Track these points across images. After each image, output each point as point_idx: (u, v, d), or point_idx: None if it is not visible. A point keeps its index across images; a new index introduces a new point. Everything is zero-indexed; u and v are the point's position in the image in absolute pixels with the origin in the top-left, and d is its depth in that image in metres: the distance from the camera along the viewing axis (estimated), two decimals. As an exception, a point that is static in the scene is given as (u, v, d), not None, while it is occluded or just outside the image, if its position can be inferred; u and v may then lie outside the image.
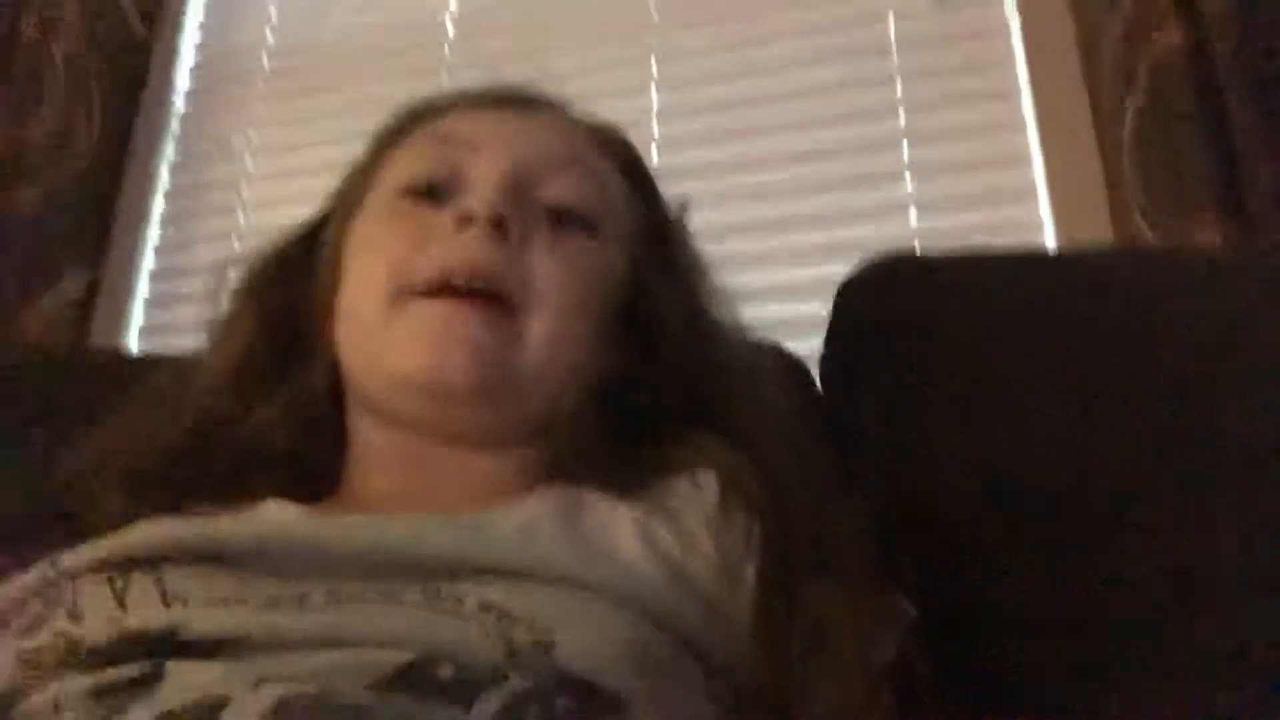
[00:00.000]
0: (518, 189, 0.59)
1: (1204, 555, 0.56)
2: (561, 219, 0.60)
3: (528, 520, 0.50)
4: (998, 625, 0.58)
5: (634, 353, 0.59)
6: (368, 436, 0.60)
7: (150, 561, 0.47)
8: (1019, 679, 0.57)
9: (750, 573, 0.51)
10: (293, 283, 0.65)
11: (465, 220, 0.56)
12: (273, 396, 0.60)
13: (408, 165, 0.62)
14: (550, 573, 0.46)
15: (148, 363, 0.87)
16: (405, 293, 0.56)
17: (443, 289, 0.55)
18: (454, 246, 0.56)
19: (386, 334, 0.56)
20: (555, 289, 0.57)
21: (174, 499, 0.54)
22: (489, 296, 0.55)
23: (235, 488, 0.57)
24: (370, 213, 0.63)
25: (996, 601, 0.59)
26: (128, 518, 0.52)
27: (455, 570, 0.45)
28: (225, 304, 0.67)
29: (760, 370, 0.64)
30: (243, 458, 0.59)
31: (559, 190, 0.60)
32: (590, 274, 0.59)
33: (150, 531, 0.49)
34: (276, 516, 0.52)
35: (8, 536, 0.56)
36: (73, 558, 0.49)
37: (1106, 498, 0.59)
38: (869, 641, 0.49)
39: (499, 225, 0.56)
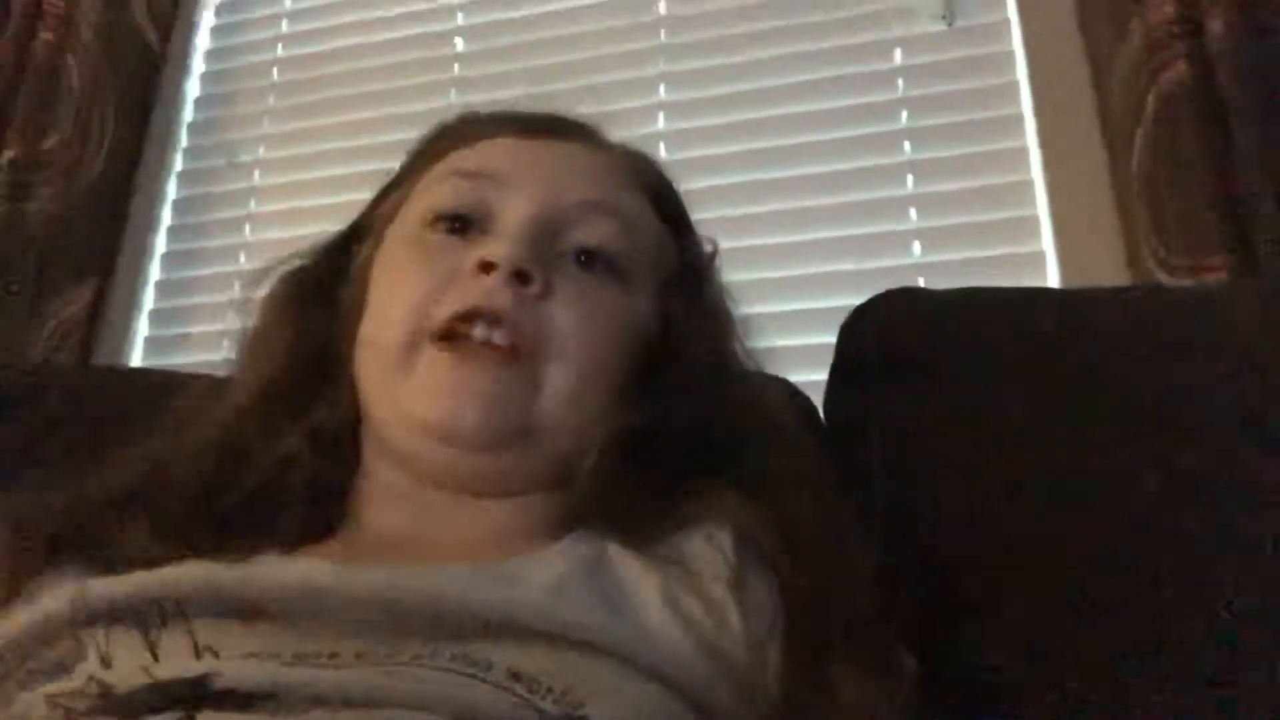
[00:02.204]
0: (544, 233, 0.58)
1: (1207, 599, 0.56)
2: (589, 264, 0.59)
3: (555, 579, 0.49)
4: (1000, 666, 0.58)
5: (657, 401, 0.58)
6: (384, 473, 0.60)
7: (181, 610, 0.47)
8: (1019, 715, 0.57)
9: (773, 647, 0.50)
10: (322, 302, 0.65)
11: (487, 266, 0.56)
12: (298, 423, 0.60)
13: (438, 196, 0.62)
14: (580, 638, 0.45)
15: (153, 381, 0.87)
16: (422, 336, 0.56)
17: (457, 337, 0.55)
18: (473, 291, 0.56)
19: (403, 378, 0.56)
20: (575, 339, 0.56)
21: (197, 533, 0.54)
22: (503, 349, 0.55)
23: (256, 520, 0.56)
24: (399, 239, 0.63)
25: (999, 641, 0.59)
26: (150, 551, 0.52)
27: (483, 629, 0.45)
28: (256, 318, 0.66)
29: (783, 417, 0.63)
30: (264, 489, 0.58)
31: (588, 235, 0.60)
32: (613, 323, 0.59)
33: (183, 576, 0.48)
34: (307, 569, 0.51)
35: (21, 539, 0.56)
36: (105, 589, 0.48)
37: (1111, 539, 0.59)
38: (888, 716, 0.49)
39: (520, 276, 0.56)
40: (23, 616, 0.49)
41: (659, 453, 0.57)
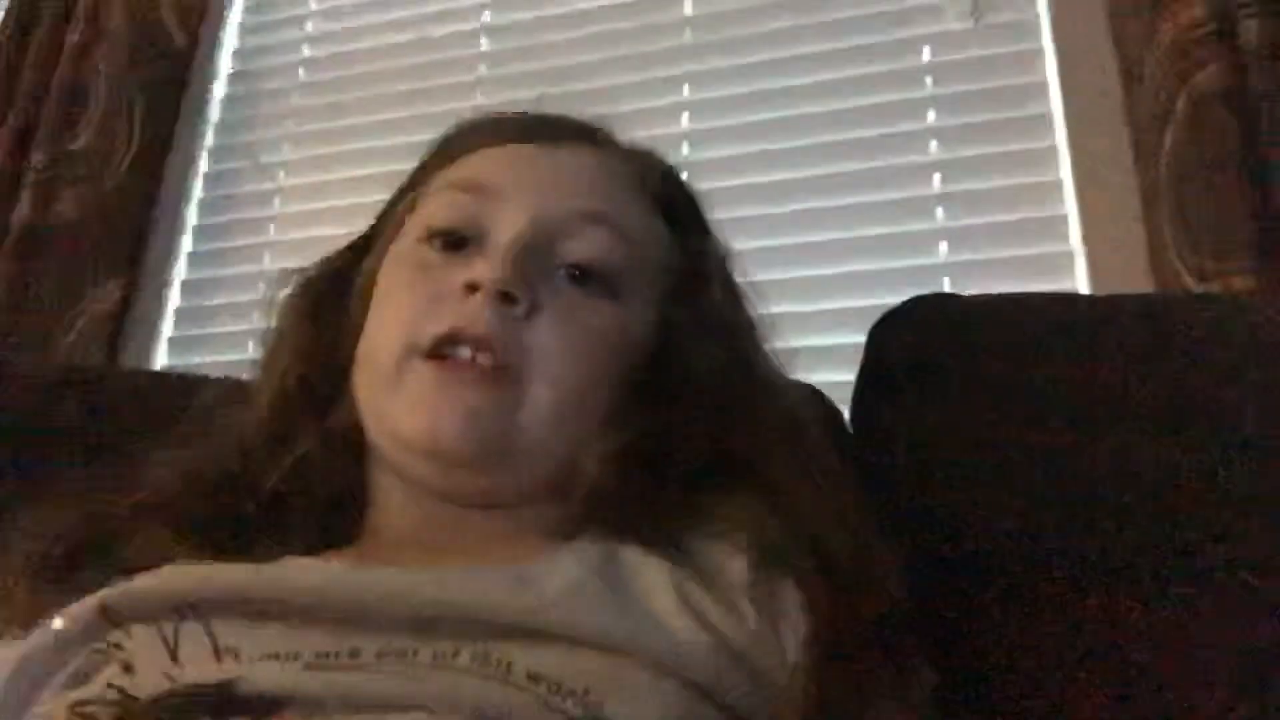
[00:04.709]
0: (535, 249, 0.58)
1: (1241, 611, 0.56)
2: (580, 278, 0.59)
3: (571, 582, 0.49)
4: (1025, 668, 0.58)
5: (664, 410, 0.58)
6: (388, 487, 0.60)
7: (201, 611, 0.47)
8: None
9: (794, 644, 0.49)
10: (335, 310, 0.65)
11: (472, 287, 0.56)
12: (313, 427, 0.60)
13: (434, 211, 0.62)
14: (597, 641, 0.46)
15: (179, 382, 0.88)
16: (412, 353, 0.56)
17: (444, 355, 0.55)
18: (458, 313, 0.56)
19: (392, 395, 0.56)
20: (560, 359, 0.56)
21: (219, 538, 0.55)
22: (487, 370, 0.55)
23: (278, 526, 0.57)
24: (398, 255, 0.63)
25: (1028, 647, 0.58)
26: (171, 553, 0.52)
27: (503, 631, 0.45)
28: (274, 321, 0.66)
29: (804, 422, 0.62)
30: (284, 494, 0.58)
31: (581, 249, 0.59)
32: (602, 341, 0.58)
33: (197, 580, 0.49)
34: (325, 572, 0.51)
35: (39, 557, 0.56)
36: (121, 598, 0.49)
37: (1145, 549, 0.59)
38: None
39: (505, 297, 0.56)
40: (49, 627, 0.49)
41: (667, 464, 0.56)
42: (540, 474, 0.57)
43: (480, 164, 0.63)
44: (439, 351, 0.55)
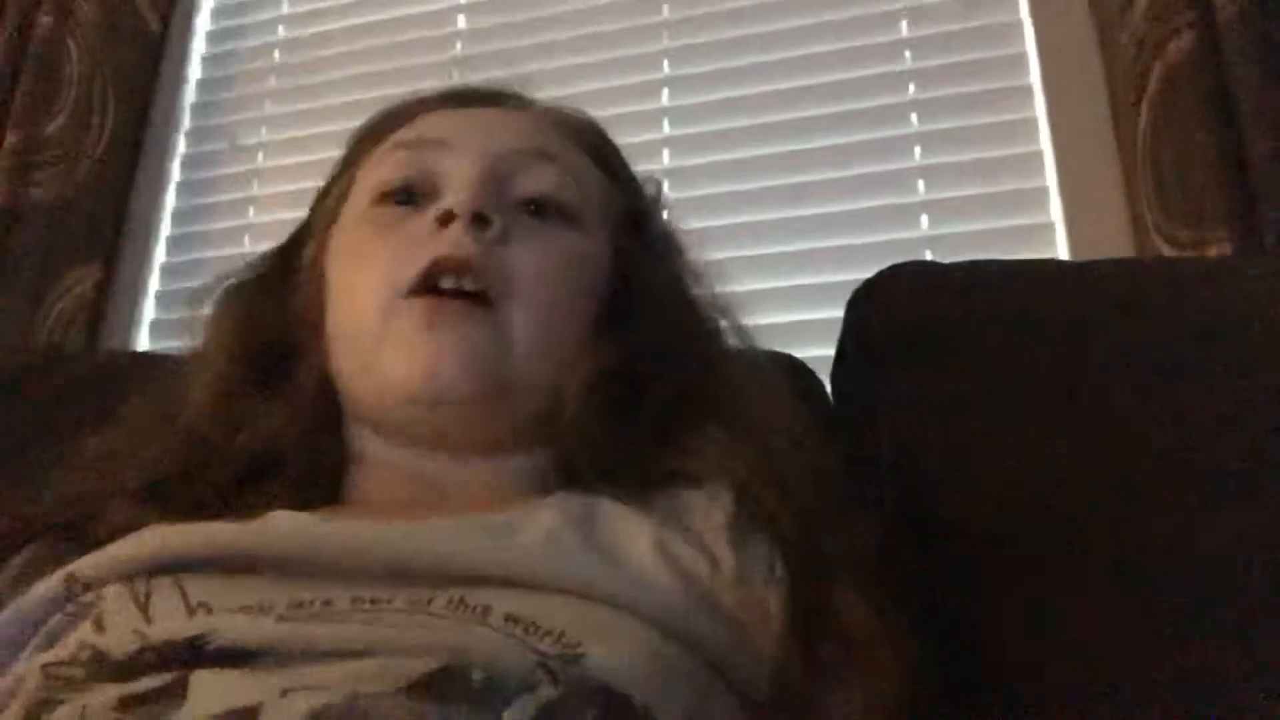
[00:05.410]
0: (494, 183, 0.60)
1: (1222, 581, 0.55)
2: (540, 210, 0.61)
3: (547, 532, 0.50)
4: (1011, 645, 0.58)
5: (629, 344, 0.60)
6: (370, 450, 0.60)
7: (171, 567, 0.47)
8: (1031, 697, 0.56)
9: (773, 596, 0.50)
10: (272, 304, 0.65)
11: (446, 218, 0.57)
12: (264, 418, 0.60)
13: (382, 172, 0.63)
14: (572, 590, 0.46)
15: (157, 363, 0.87)
16: (395, 300, 0.57)
17: (428, 290, 0.56)
18: (436, 244, 0.57)
19: (379, 346, 0.57)
20: (537, 280, 0.58)
21: (182, 506, 0.55)
22: (473, 296, 0.56)
23: (241, 497, 0.57)
24: (349, 224, 0.63)
25: (1011, 622, 0.58)
26: (138, 522, 0.52)
27: (479, 580, 0.46)
28: (202, 330, 0.66)
29: (753, 355, 0.65)
30: (246, 471, 0.58)
31: (535, 182, 0.61)
32: (572, 263, 0.60)
33: (171, 538, 0.49)
34: (300, 525, 0.51)
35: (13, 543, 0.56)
36: (91, 567, 0.49)
37: (1127, 518, 0.58)
38: (901, 650, 0.48)
39: (479, 220, 0.57)
40: (20, 599, 0.49)
41: (640, 394, 0.58)
42: (532, 407, 0.58)
43: (422, 124, 0.65)
44: (423, 289, 0.56)
